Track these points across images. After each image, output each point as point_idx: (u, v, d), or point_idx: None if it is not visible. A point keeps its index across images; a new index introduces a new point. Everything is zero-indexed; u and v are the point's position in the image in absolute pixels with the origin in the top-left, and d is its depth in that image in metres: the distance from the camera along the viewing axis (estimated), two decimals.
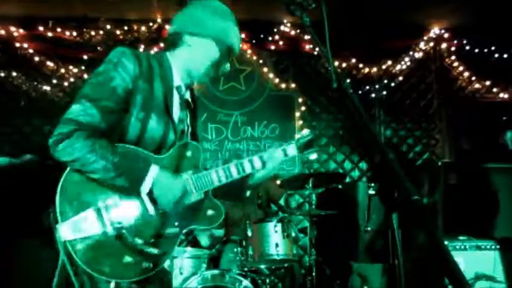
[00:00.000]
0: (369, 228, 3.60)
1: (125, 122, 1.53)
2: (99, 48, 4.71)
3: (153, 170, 1.49)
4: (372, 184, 3.30)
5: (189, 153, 1.65)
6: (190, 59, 1.66)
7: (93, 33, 4.73)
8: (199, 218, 1.65)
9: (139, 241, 1.47)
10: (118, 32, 4.70)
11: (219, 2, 1.73)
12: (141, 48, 4.67)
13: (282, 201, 4.54)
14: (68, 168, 1.45)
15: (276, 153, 1.77)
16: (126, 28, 4.75)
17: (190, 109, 1.79)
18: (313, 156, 1.85)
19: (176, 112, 1.67)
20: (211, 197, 1.68)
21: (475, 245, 3.26)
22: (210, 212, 1.66)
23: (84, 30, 4.72)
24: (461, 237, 3.33)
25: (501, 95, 5.10)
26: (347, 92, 1.08)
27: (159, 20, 4.79)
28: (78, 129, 1.41)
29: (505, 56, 5.05)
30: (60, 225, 1.38)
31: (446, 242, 3.22)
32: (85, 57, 4.73)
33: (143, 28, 4.78)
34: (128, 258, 1.46)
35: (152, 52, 1.72)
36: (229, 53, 1.69)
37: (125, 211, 1.48)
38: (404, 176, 0.89)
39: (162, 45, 4.65)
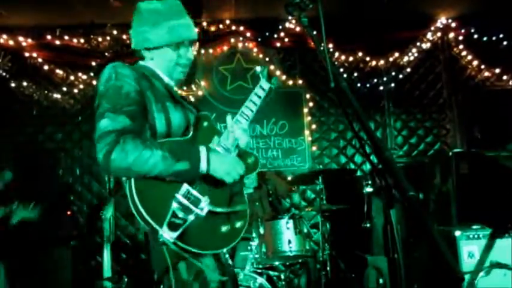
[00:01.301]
0: (368, 225, 3.61)
1: (151, 120, 1.59)
2: (106, 54, 4.78)
3: (203, 148, 1.56)
4: (370, 182, 3.33)
5: (205, 124, 1.73)
6: (160, 67, 1.75)
7: (100, 39, 4.79)
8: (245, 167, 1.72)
9: (224, 209, 1.58)
10: (125, 37, 4.75)
11: (156, 2, 1.77)
12: None
13: (295, 199, 4.57)
14: (131, 183, 1.47)
15: (256, 92, 1.90)
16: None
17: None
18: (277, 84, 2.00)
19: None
20: (242, 148, 1.76)
21: (488, 234, 3.24)
22: (249, 160, 1.76)
23: (92, 36, 4.79)
24: (474, 227, 3.30)
25: (511, 82, 5.03)
26: (345, 92, 1.10)
27: None
28: (120, 134, 1.46)
29: None
30: (161, 231, 1.43)
31: (460, 232, 3.20)
32: (93, 63, 4.80)
33: None
34: (223, 228, 1.58)
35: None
36: (189, 44, 1.76)
37: (198, 191, 1.55)
38: (401, 174, 0.91)
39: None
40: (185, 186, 1.52)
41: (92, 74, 4.80)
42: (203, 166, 1.53)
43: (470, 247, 3.17)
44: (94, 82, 4.80)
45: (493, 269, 3.09)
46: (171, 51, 1.72)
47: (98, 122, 1.50)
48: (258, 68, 1.96)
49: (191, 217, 1.49)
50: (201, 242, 1.51)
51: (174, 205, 1.48)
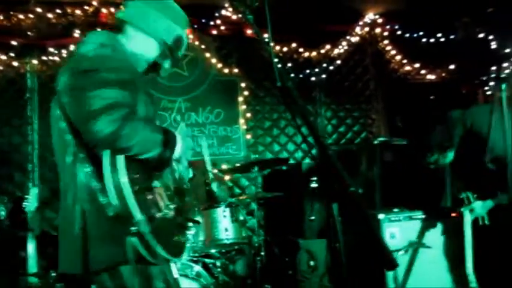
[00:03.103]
0: (313, 218, 3.81)
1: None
2: (29, 33, 4.44)
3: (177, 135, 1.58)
4: (314, 178, 3.51)
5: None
6: (134, 48, 1.69)
7: (22, 16, 4.44)
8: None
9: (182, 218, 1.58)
10: (50, 16, 4.43)
11: (172, 1, 1.77)
12: (76, 33, 4.46)
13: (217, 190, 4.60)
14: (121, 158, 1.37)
15: None
16: (59, 11, 4.49)
17: None
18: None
19: None
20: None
21: (407, 216, 3.53)
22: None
23: (12, 13, 4.42)
24: (395, 210, 3.59)
25: (429, 76, 5.46)
26: (291, 91, 1.15)
27: (95, 3, 4.56)
28: (131, 111, 1.40)
29: (432, 40, 5.40)
30: (140, 220, 1.34)
31: (383, 215, 3.46)
32: (14, 43, 4.45)
33: (78, 11, 4.54)
34: (178, 235, 1.55)
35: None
36: (171, 53, 1.74)
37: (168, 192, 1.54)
38: (342, 169, 0.99)
39: (99, 30, 4.49)
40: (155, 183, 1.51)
41: (12, 55, 4.44)
42: (178, 151, 1.56)
43: (392, 229, 3.46)
44: (15, 63, 4.45)
45: (411, 247, 3.41)
46: (155, 47, 1.70)
47: (103, 88, 1.37)
48: None
49: (158, 215, 1.43)
50: (165, 245, 1.43)
51: (149, 197, 1.43)
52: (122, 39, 1.67)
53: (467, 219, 2.93)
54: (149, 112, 1.59)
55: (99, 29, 4.45)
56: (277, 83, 1.21)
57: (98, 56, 1.47)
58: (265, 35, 1.33)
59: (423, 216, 3.52)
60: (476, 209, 2.92)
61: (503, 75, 2.50)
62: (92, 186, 1.43)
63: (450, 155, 3.12)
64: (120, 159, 1.35)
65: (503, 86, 2.46)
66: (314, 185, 3.51)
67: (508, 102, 2.50)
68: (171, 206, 1.52)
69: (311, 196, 3.90)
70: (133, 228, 1.33)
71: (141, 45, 1.69)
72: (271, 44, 1.27)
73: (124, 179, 1.33)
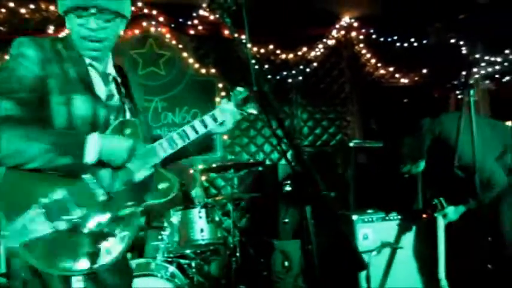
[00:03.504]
0: (286, 220, 3.85)
1: (48, 112, 1.49)
2: (1, 28, 4.32)
3: (93, 137, 1.46)
4: (288, 182, 3.55)
5: (128, 131, 1.62)
6: (74, 39, 1.62)
7: None
8: (153, 193, 1.62)
9: (94, 228, 1.44)
10: (23, 11, 4.33)
11: None
12: (51, 29, 4.36)
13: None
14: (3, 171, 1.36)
15: (214, 114, 1.79)
16: (32, 7, 4.38)
17: (118, 83, 1.76)
18: (253, 111, 1.88)
19: (100, 88, 1.65)
20: (160, 170, 1.67)
21: (380, 217, 3.61)
22: (162, 185, 1.64)
23: None
24: (369, 211, 3.66)
25: (402, 80, 5.59)
26: (267, 96, 1.17)
27: None
28: (1, 122, 1.36)
29: (406, 45, 5.53)
30: (4, 232, 1.31)
31: (356, 216, 3.52)
32: None
33: (52, 7, 4.44)
34: (84, 249, 1.42)
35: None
36: (74, 12, 1.57)
37: (74, 201, 1.43)
38: (316, 174, 1.02)
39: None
40: (60, 191, 1.42)
41: None
42: (89, 158, 1.44)
43: (365, 229, 3.52)
44: None
45: (384, 248, 3.49)
46: (74, 18, 1.56)
47: None
48: (240, 88, 1.87)
49: (48, 228, 1.35)
50: (49, 258, 1.36)
51: (35, 210, 1.36)
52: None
53: (441, 224, 3.02)
54: (84, 112, 1.53)
55: None
56: (254, 87, 1.23)
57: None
58: (243, 36, 1.34)
59: (396, 218, 3.61)
60: (449, 214, 3.01)
61: (471, 81, 2.59)
62: None
63: (422, 164, 3.21)
64: None
65: (472, 92, 2.55)
66: (288, 188, 3.56)
67: (476, 107, 2.58)
68: (66, 219, 1.41)
69: (285, 199, 3.95)
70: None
71: (71, 32, 1.61)
72: (249, 46, 1.28)
73: None
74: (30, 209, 1.36)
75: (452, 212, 3.00)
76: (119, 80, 1.76)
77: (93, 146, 1.45)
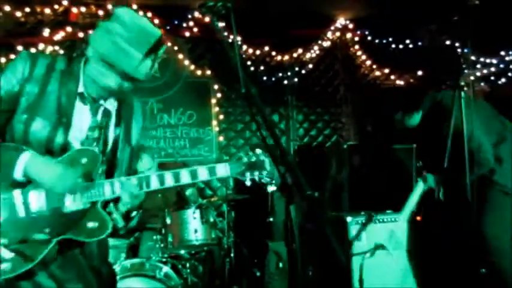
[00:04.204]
0: (271, 219, 3.87)
1: (12, 124, 1.58)
2: None
3: (25, 155, 1.52)
4: (273, 181, 3.55)
5: (84, 160, 1.62)
6: (88, 70, 1.66)
7: None
8: (77, 229, 1.59)
9: (1, 241, 1.47)
10: (19, 14, 4.33)
11: (132, 20, 1.63)
12: (46, 32, 4.37)
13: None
14: None
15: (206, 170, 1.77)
16: (28, 10, 4.39)
17: (110, 115, 1.77)
18: (272, 188, 1.88)
19: (83, 119, 1.68)
20: (99, 209, 1.64)
21: (374, 219, 3.62)
22: (91, 224, 1.60)
23: None
24: (362, 212, 3.68)
25: (397, 81, 5.62)
26: (254, 98, 1.19)
27: (65, 2, 4.49)
28: None
29: (401, 46, 5.56)
30: None
31: (350, 217, 3.53)
32: None
33: (47, 10, 4.46)
34: None
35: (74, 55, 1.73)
36: (119, 73, 1.62)
37: None
38: (300, 175, 1.04)
39: (68, 29, 4.42)
40: None
41: None
42: (17, 173, 1.51)
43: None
44: None
45: (377, 250, 3.50)
46: (100, 65, 1.60)
47: None
48: (258, 151, 1.79)
49: None
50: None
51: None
52: (81, 60, 1.69)
53: (420, 185, 3.22)
54: (40, 136, 1.58)
55: (69, 28, 4.40)
56: (242, 90, 1.25)
57: None
58: (238, 38, 1.36)
59: (390, 219, 3.62)
60: (429, 179, 3.14)
61: (462, 83, 2.60)
62: None
63: (417, 117, 3.16)
64: None
65: (462, 94, 2.56)
66: (273, 188, 3.58)
67: (467, 103, 2.58)
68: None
69: (272, 198, 3.96)
70: None
71: (93, 65, 1.64)
72: (242, 48, 1.30)
73: None
74: None
75: (432, 178, 3.09)
76: (113, 112, 1.78)
77: (22, 163, 1.51)
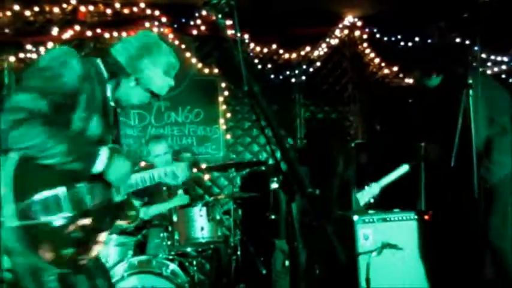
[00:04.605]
0: (273, 217, 3.87)
1: (69, 118, 1.61)
2: (6, 30, 4.37)
3: (104, 151, 1.61)
4: (275, 178, 3.56)
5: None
6: (121, 89, 1.79)
7: None
8: (122, 217, 1.81)
9: (75, 234, 1.54)
10: (28, 13, 4.38)
11: (160, 42, 1.83)
12: (55, 31, 4.41)
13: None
14: (15, 158, 1.46)
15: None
16: (37, 9, 4.43)
17: (116, 115, 1.89)
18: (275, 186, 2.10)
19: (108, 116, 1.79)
20: (131, 198, 1.89)
21: (381, 218, 3.60)
22: (131, 213, 1.86)
23: None
24: (370, 211, 3.66)
25: (406, 80, 5.57)
26: (256, 96, 1.19)
27: (73, 1, 4.53)
28: (31, 117, 1.43)
29: (410, 44, 5.51)
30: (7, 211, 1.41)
31: (357, 216, 3.52)
32: None
33: (56, 9, 4.50)
34: (67, 249, 1.53)
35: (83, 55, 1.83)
36: (152, 95, 1.82)
37: (67, 201, 1.54)
38: (302, 173, 1.03)
39: (77, 28, 4.45)
40: (61, 190, 1.52)
41: None
42: (99, 167, 1.59)
43: (365, 230, 3.51)
44: None
45: (384, 249, 3.48)
46: (140, 89, 1.78)
47: (20, 92, 1.48)
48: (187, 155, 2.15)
49: (40, 219, 1.47)
50: (39, 249, 1.48)
51: (37, 197, 1.48)
52: (99, 63, 1.76)
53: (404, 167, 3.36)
54: (96, 133, 1.67)
55: (78, 26, 4.44)
56: (244, 88, 1.25)
57: (41, 65, 1.58)
58: (246, 36, 1.36)
59: (397, 218, 3.59)
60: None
61: (470, 81, 2.57)
62: None
63: (436, 80, 3.16)
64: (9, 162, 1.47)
65: (470, 92, 2.54)
66: (274, 185, 3.59)
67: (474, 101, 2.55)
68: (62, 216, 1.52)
69: (275, 196, 3.97)
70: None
71: (127, 87, 1.79)
72: (249, 46, 1.30)
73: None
74: (32, 197, 1.46)
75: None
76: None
77: (104, 159, 1.60)
